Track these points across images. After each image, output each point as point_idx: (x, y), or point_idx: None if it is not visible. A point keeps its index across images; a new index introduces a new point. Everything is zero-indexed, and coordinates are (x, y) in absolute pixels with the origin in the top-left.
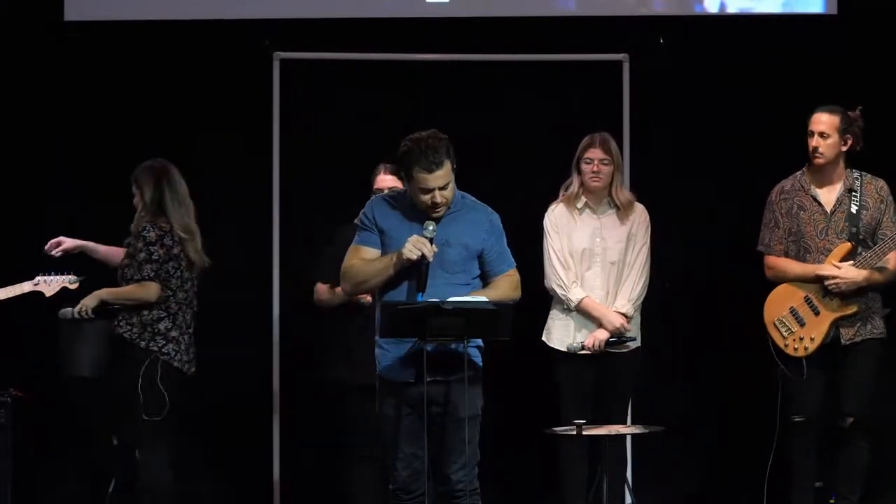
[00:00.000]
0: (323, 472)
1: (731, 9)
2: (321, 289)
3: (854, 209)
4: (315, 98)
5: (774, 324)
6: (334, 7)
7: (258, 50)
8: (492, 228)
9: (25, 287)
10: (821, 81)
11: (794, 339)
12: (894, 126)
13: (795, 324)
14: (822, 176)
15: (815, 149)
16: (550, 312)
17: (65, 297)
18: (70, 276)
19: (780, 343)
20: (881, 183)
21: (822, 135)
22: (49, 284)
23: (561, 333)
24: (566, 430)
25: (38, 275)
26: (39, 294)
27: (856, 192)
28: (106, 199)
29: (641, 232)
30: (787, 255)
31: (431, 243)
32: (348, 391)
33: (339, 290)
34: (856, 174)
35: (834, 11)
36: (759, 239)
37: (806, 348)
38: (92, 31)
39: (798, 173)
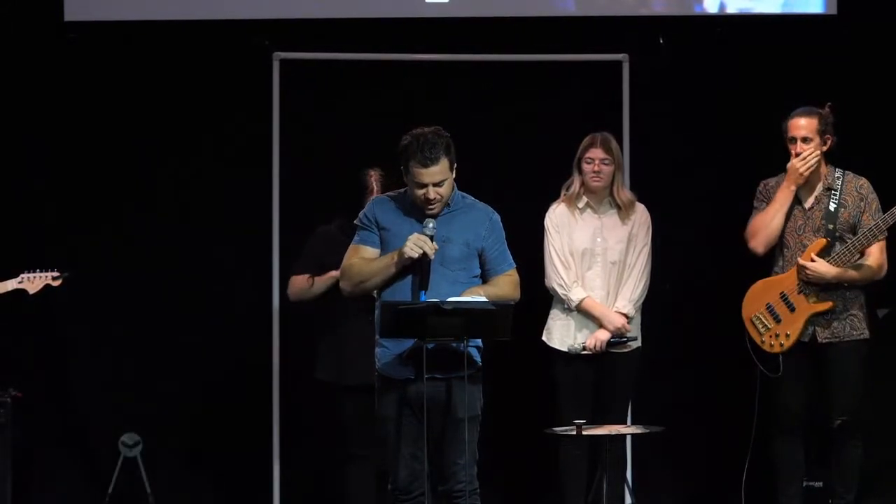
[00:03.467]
0: (323, 472)
1: (731, 9)
2: (296, 280)
3: (832, 207)
4: (315, 98)
5: (751, 320)
6: (334, 7)
7: (258, 50)
8: (492, 227)
9: (9, 285)
10: (821, 81)
11: (771, 336)
12: (894, 126)
13: (771, 320)
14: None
15: (799, 155)
16: (551, 312)
17: (48, 294)
18: (53, 273)
19: (757, 339)
20: (862, 181)
21: (804, 140)
22: (32, 281)
23: (561, 333)
24: (566, 430)
25: (22, 272)
26: (23, 292)
27: (835, 190)
28: (103, 198)
29: (642, 232)
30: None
31: (432, 241)
32: (341, 392)
33: (318, 279)
34: (837, 173)
35: (834, 11)
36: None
37: (781, 344)
38: (92, 31)
39: (783, 174)
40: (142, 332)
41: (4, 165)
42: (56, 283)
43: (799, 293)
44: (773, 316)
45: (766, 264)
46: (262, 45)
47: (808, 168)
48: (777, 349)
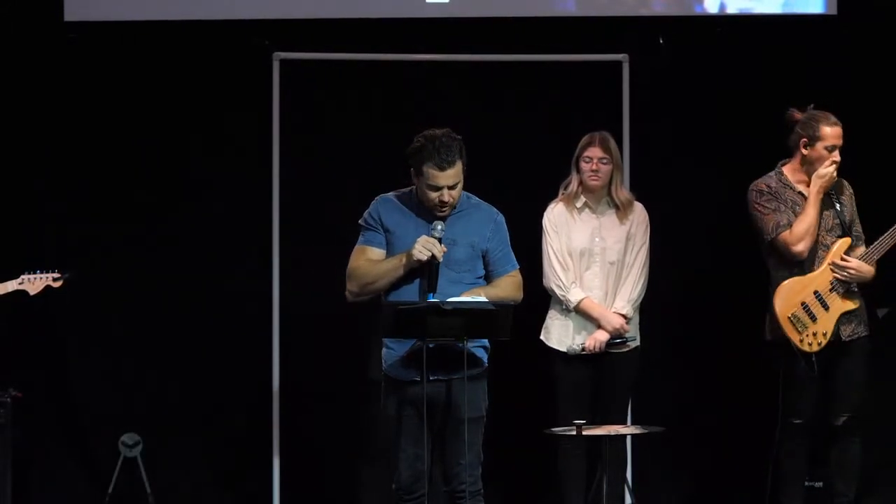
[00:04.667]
0: (323, 472)
1: (731, 9)
2: None
3: (838, 206)
4: (315, 98)
5: (789, 319)
6: (334, 7)
7: (258, 50)
8: (497, 228)
9: (10, 286)
10: (821, 81)
11: (809, 335)
12: (894, 126)
13: (808, 319)
14: (803, 178)
15: (835, 162)
16: (549, 312)
17: (48, 294)
18: (54, 274)
19: (796, 339)
20: (845, 182)
21: (840, 148)
22: (33, 283)
23: (560, 333)
24: (566, 431)
25: (23, 273)
26: (24, 293)
27: (832, 190)
28: (103, 198)
29: (641, 232)
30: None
31: (440, 243)
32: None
33: None
34: None
35: (834, 11)
36: (764, 231)
37: (819, 343)
38: (92, 32)
39: (773, 174)
40: (142, 332)
41: (4, 165)
42: (57, 285)
43: (831, 292)
44: (810, 315)
45: (765, 263)
46: (262, 45)
47: (851, 279)
48: (815, 348)
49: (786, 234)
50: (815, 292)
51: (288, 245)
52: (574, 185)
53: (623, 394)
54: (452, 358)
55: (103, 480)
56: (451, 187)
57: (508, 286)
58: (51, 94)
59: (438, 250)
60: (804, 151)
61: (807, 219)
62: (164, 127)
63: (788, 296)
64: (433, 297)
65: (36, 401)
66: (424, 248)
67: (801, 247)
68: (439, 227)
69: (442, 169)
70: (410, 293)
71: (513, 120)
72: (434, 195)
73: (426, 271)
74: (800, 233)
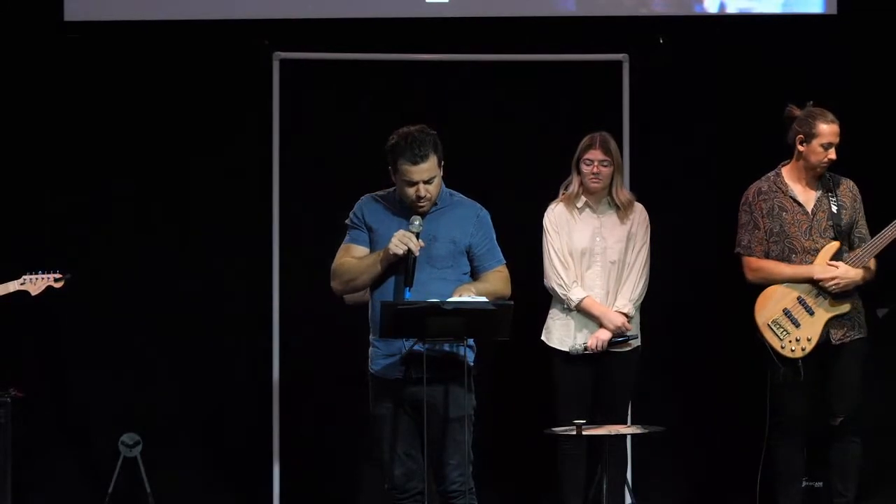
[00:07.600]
0: (322, 472)
1: (731, 9)
2: None
3: (835, 209)
4: (315, 98)
5: (769, 325)
6: (334, 7)
7: (258, 50)
8: (480, 224)
9: (11, 287)
10: (821, 81)
11: (791, 341)
12: (894, 126)
13: (790, 325)
14: (801, 178)
15: (831, 160)
16: (550, 312)
17: (50, 294)
18: (55, 274)
19: (777, 345)
20: (851, 183)
21: (836, 146)
22: (35, 283)
23: (561, 333)
24: (566, 430)
25: (24, 274)
26: (25, 293)
27: (832, 192)
28: (103, 199)
29: (641, 232)
30: (767, 256)
31: (417, 238)
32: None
33: None
34: (828, 175)
35: (834, 11)
36: (736, 241)
37: (803, 349)
38: (92, 31)
39: (771, 175)
40: (142, 333)
41: (5, 166)
42: (58, 285)
43: (817, 296)
44: (792, 321)
45: None
46: (262, 45)
47: (839, 288)
48: (799, 354)
49: (747, 259)
50: (799, 298)
51: (288, 245)
52: (575, 186)
53: (624, 393)
54: (438, 357)
55: (103, 480)
56: (426, 182)
57: (497, 281)
58: (51, 94)
59: (415, 244)
60: (800, 148)
61: (777, 270)
62: (165, 127)
63: (768, 302)
64: (409, 292)
65: (36, 401)
66: (400, 241)
67: (751, 276)
68: (416, 221)
69: (415, 163)
70: (390, 289)
71: (513, 120)
72: (411, 190)
73: (403, 266)
74: (758, 270)
